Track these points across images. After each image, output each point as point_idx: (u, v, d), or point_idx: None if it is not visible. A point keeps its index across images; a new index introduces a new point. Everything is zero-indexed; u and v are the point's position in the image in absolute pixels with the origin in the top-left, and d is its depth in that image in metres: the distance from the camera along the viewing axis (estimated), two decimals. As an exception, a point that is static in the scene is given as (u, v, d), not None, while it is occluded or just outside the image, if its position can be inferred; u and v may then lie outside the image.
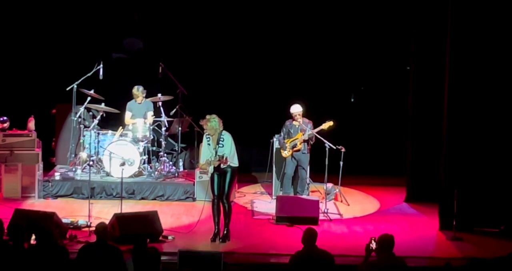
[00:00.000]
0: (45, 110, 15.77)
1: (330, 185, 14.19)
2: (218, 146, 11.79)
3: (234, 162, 11.85)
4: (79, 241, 11.47)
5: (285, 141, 13.93)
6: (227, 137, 11.83)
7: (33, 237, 9.75)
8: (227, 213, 11.94)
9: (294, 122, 13.94)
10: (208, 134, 11.84)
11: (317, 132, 13.72)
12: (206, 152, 11.90)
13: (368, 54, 16.45)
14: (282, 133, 14.10)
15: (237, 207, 13.85)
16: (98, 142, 14.55)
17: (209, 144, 11.87)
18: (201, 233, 12.18)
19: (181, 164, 15.33)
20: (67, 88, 14.68)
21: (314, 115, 14.30)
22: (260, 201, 14.41)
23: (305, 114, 13.97)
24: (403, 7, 15.20)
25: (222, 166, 11.77)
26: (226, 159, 11.67)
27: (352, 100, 16.91)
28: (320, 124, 13.76)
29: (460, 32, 12.46)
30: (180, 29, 16.21)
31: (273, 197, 14.13)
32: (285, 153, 13.95)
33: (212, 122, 11.70)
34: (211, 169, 11.86)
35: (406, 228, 12.82)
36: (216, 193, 11.92)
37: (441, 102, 12.96)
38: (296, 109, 13.91)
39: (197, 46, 16.24)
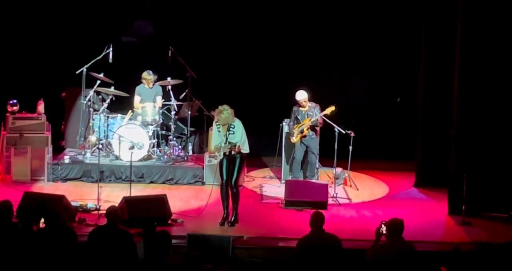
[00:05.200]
0: (55, 93, 15.72)
1: (339, 170, 14.16)
2: (229, 132, 11.74)
3: (245, 148, 11.82)
4: (88, 224, 11.51)
5: (294, 126, 13.91)
6: (238, 124, 11.78)
7: (42, 220, 9.78)
8: (235, 197, 11.94)
9: (301, 108, 13.89)
10: (219, 123, 11.82)
11: (326, 117, 13.69)
12: (216, 137, 11.86)
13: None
14: (291, 120, 14.08)
15: (246, 191, 13.86)
16: (108, 125, 14.54)
17: (219, 131, 11.84)
18: (210, 216, 12.20)
19: (190, 147, 15.31)
20: (77, 72, 14.64)
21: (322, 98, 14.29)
22: (269, 185, 14.41)
23: (311, 98, 13.94)
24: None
25: (233, 152, 11.77)
26: (238, 147, 11.66)
27: None
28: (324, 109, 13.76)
29: (471, 22, 12.41)
30: (190, 13, 16.16)
31: (282, 181, 14.13)
32: (293, 139, 13.92)
33: (225, 114, 11.62)
34: (220, 155, 11.86)
35: (415, 212, 12.80)
36: (224, 177, 11.91)
37: (452, 88, 12.90)
38: (301, 96, 13.82)
39: (207, 30, 16.19)
